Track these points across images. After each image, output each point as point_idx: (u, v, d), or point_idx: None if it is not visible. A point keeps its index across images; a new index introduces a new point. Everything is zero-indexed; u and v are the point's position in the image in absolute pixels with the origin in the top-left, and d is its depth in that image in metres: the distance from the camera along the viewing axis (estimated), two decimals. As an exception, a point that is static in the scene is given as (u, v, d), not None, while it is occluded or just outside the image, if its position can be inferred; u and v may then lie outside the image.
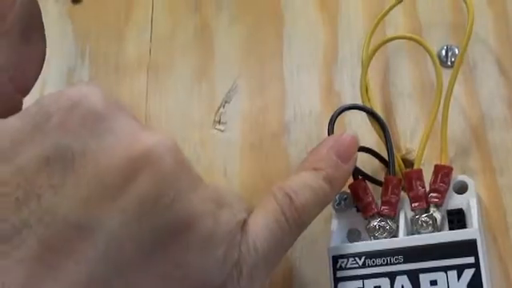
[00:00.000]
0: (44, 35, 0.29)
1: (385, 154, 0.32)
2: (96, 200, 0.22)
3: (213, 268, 0.25)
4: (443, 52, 0.35)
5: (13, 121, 0.23)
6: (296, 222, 0.28)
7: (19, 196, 0.21)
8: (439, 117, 0.31)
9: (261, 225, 0.27)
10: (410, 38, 0.33)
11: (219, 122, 0.40)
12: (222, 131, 0.39)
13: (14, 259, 0.21)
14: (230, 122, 0.39)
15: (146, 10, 0.44)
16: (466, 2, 0.32)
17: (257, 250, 0.26)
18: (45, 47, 0.29)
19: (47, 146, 0.22)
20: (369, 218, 0.31)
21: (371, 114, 0.32)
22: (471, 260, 0.28)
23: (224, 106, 0.40)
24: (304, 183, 0.29)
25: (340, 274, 0.30)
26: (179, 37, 0.42)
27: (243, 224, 0.27)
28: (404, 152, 0.34)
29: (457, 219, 0.30)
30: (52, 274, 0.21)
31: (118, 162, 0.22)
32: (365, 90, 0.33)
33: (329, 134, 0.31)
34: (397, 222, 0.31)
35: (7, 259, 0.21)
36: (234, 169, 0.38)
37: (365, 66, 0.33)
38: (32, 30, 0.28)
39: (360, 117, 0.35)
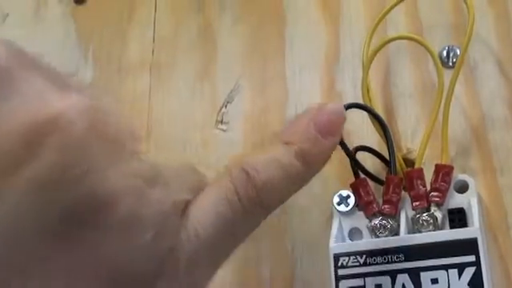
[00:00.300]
0: None
1: (386, 154, 0.32)
2: None
3: (139, 256, 0.21)
4: (444, 52, 0.35)
5: None
6: (252, 201, 0.24)
7: None
8: (440, 117, 0.31)
9: (207, 206, 0.24)
10: (411, 39, 0.33)
11: (221, 122, 0.40)
12: (224, 131, 0.40)
13: None
14: (233, 121, 0.39)
15: (149, 10, 0.44)
16: (466, 3, 0.32)
17: (198, 236, 0.23)
18: None
19: None
20: (370, 216, 0.31)
21: (372, 114, 0.33)
22: (472, 258, 0.28)
23: (226, 106, 0.40)
24: (270, 159, 0.25)
25: (341, 272, 0.30)
26: (182, 37, 0.42)
27: (185, 206, 0.23)
28: (405, 152, 0.34)
29: (458, 218, 0.30)
30: None
31: (20, 127, 0.19)
32: (366, 90, 0.33)
33: None
34: (398, 220, 0.31)
35: None
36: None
37: (366, 66, 0.33)
38: None
39: (361, 116, 0.35)
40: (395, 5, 0.35)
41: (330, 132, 0.27)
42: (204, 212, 0.23)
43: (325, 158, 0.27)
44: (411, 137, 0.35)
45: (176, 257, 0.22)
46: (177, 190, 0.23)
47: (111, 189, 0.20)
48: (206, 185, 0.25)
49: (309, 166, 0.26)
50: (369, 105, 0.33)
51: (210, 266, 0.24)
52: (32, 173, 0.19)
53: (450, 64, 0.35)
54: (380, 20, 0.35)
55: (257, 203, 0.24)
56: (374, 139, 0.34)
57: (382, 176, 0.33)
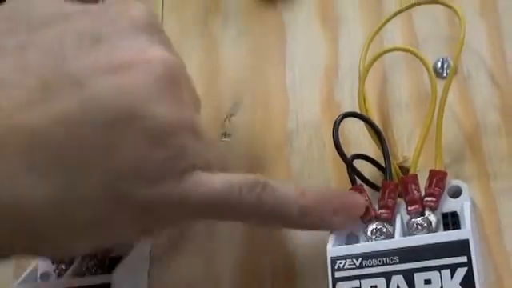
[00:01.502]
0: None
1: (382, 163, 0.33)
2: (95, 66, 0.27)
3: (152, 162, 0.27)
4: (439, 64, 0.37)
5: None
6: (248, 201, 0.29)
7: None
8: (434, 125, 0.32)
9: (217, 176, 0.29)
10: (406, 50, 0.35)
11: (225, 135, 0.41)
12: (228, 143, 0.41)
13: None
14: (236, 134, 0.41)
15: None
16: (458, 16, 0.34)
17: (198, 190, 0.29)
18: None
19: (86, 22, 0.28)
20: (367, 222, 0.32)
21: (367, 122, 0.34)
22: (464, 259, 0.29)
23: (230, 119, 0.41)
24: (283, 191, 0.30)
25: (338, 274, 0.31)
26: (186, 50, 0.44)
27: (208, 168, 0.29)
28: (401, 160, 0.35)
29: (451, 222, 0.31)
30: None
31: (122, 54, 0.27)
32: (362, 99, 0.35)
33: (334, 139, 0.32)
34: (393, 225, 0.32)
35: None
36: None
37: (362, 76, 0.34)
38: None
39: (358, 127, 0.36)
40: (391, 18, 0.36)
41: (342, 213, 0.32)
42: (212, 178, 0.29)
43: (322, 228, 0.32)
44: (407, 145, 0.36)
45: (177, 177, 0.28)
46: (214, 156, 0.30)
47: (169, 117, 0.28)
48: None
49: (303, 220, 0.31)
50: (365, 114, 0.34)
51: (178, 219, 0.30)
52: (115, 80, 0.27)
53: (445, 75, 0.36)
54: (376, 32, 0.36)
55: (250, 201, 0.29)
56: (370, 149, 0.35)
57: (379, 183, 0.33)
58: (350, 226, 0.33)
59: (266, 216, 0.30)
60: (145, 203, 0.28)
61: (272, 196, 0.30)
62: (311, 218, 0.31)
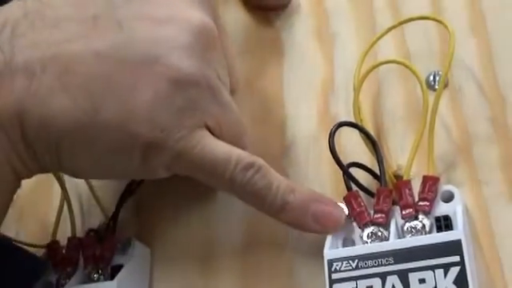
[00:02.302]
0: None
1: (377, 171, 0.35)
2: (138, 16, 0.31)
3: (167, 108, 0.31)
4: (431, 77, 0.38)
5: None
6: (238, 178, 0.32)
7: None
8: (427, 134, 0.34)
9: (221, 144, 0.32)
10: (399, 63, 0.36)
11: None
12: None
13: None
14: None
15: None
16: (448, 30, 0.35)
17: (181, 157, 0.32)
18: None
19: None
20: (362, 226, 0.33)
21: (361, 130, 0.35)
22: (457, 259, 0.30)
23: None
24: (274, 181, 0.33)
25: (335, 276, 0.32)
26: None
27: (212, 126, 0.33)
28: (395, 168, 0.36)
29: (444, 225, 0.32)
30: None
31: (164, 9, 0.32)
32: (357, 110, 0.36)
33: (330, 147, 0.34)
34: (388, 229, 0.33)
35: None
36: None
37: (357, 88, 0.36)
38: None
39: (354, 138, 0.37)
40: (384, 33, 0.38)
41: (320, 222, 0.33)
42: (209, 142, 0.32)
43: (297, 226, 0.34)
44: (401, 154, 0.37)
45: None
46: (227, 123, 0.34)
47: (192, 71, 0.31)
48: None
49: (284, 211, 0.33)
50: (360, 124, 0.36)
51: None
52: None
53: (436, 87, 0.37)
54: (370, 47, 0.38)
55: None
56: (366, 159, 0.36)
57: (374, 190, 0.34)
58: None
59: (248, 196, 0.33)
60: (146, 145, 0.31)
61: (262, 181, 0.33)
62: (290, 213, 0.33)
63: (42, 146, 0.31)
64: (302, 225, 0.34)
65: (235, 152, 0.33)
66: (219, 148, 0.32)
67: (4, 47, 0.30)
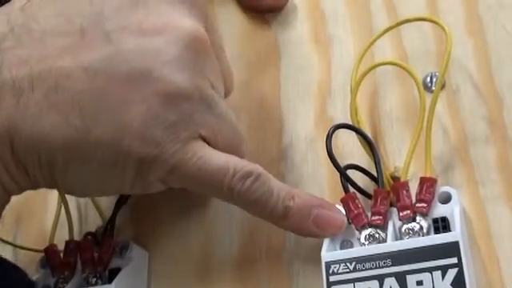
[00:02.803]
0: None
1: (375, 173, 0.35)
2: (127, 28, 0.31)
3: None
4: (428, 79, 0.38)
5: None
6: (237, 187, 0.32)
7: None
8: (424, 136, 0.34)
9: (217, 154, 0.32)
10: (395, 64, 0.36)
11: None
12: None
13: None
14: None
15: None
16: (445, 32, 0.35)
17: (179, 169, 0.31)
18: None
19: None
20: (360, 228, 0.33)
21: (358, 133, 0.35)
22: (454, 260, 0.30)
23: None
24: (274, 187, 0.33)
25: (333, 278, 0.32)
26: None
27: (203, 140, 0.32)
28: (393, 170, 0.36)
29: (442, 226, 0.32)
30: None
31: (154, 19, 0.31)
32: (354, 112, 0.36)
33: (327, 149, 0.34)
34: (385, 231, 0.33)
35: None
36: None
37: (354, 89, 0.36)
38: None
39: (351, 140, 0.37)
40: (381, 35, 0.38)
41: (320, 227, 0.33)
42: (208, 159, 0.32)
43: (300, 232, 0.34)
44: (398, 156, 0.37)
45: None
46: (222, 132, 0.33)
47: (185, 84, 0.31)
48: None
49: (286, 218, 0.33)
50: (357, 126, 0.36)
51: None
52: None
53: (433, 88, 0.37)
54: (367, 48, 0.37)
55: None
56: (363, 162, 0.36)
57: (372, 192, 0.34)
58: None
59: (249, 205, 0.33)
60: (140, 161, 0.31)
61: (261, 188, 0.32)
62: (292, 219, 0.33)
63: (33, 162, 0.30)
64: (304, 230, 0.34)
65: (232, 161, 0.32)
66: (215, 158, 0.32)
67: None
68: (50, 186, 0.33)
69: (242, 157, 0.34)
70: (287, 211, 0.33)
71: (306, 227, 0.33)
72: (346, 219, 0.34)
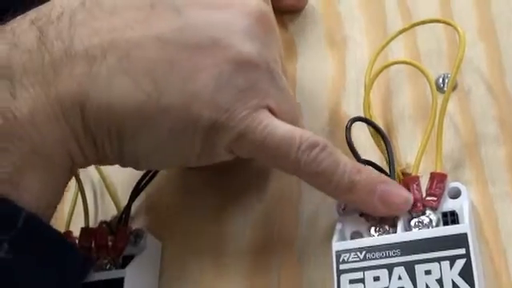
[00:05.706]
0: None
1: (387, 169, 0.35)
2: (196, 1, 0.32)
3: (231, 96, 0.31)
4: (440, 79, 0.39)
5: None
6: (304, 158, 0.32)
7: None
8: (435, 133, 0.34)
9: (283, 125, 0.32)
10: (408, 63, 0.37)
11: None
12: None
13: None
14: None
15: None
16: (458, 33, 0.36)
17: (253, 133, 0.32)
18: None
19: None
20: (371, 220, 0.34)
21: (373, 126, 0.36)
22: (462, 251, 0.30)
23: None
24: (341, 159, 0.32)
25: (343, 266, 0.32)
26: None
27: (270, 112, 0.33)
28: (404, 166, 0.37)
29: (451, 220, 0.33)
30: None
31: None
32: (367, 108, 0.37)
33: (347, 140, 0.35)
34: (396, 223, 0.33)
35: None
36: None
37: (368, 86, 0.37)
38: None
39: (363, 136, 0.38)
40: (395, 36, 0.39)
41: (383, 202, 0.33)
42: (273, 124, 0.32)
43: (364, 206, 0.33)
44: (409, 153, 0.37)
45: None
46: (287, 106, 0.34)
47: (253, 53, 0.32)
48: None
49: (351, 191, 0.32)
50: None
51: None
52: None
53: (445, 89, 0.38)
54: (382, 48, 0.38)
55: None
56: (375, 157, 0.37)
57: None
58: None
59: (314, 176, 0.32)
60: (209, 127, 0.31)
61: (328, 159, 0.32)
62: (357, 194, 0.32)
63: (102, 132, 0.31)
64: (368, 205, 0.33)
65: (298, 131, 0.32)
66: (282, 128, 0.32)
67: (63, 36, 0.30)
68: (115, 160, 0.33)
69: None
70: (353, 185, 0.32)
71: (370, 203, 0.33)
72: (411, 197, 0.33)
